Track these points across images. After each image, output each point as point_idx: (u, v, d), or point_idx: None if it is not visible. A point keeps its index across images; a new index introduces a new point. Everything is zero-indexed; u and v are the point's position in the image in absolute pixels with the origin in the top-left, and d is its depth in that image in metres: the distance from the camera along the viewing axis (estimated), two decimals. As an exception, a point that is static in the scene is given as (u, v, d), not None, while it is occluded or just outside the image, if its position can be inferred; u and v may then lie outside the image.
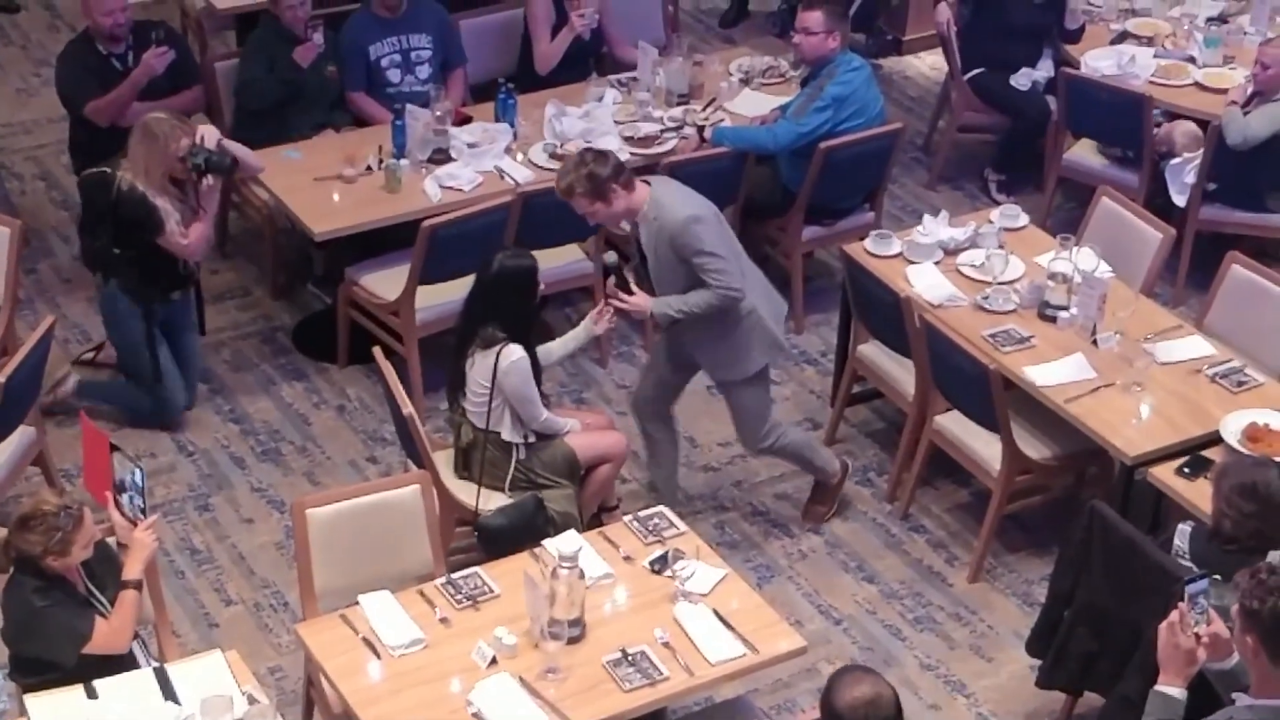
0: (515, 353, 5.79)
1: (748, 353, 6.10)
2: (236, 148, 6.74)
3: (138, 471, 5.14)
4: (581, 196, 5.86)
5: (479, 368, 5.84)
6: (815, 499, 6.63)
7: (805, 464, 6.53)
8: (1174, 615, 4.45)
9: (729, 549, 6.32)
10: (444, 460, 6.03)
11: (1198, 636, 4.45)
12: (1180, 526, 5.26)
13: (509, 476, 5.94)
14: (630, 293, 6.00)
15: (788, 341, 6.27)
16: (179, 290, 6.80)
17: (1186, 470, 5.75)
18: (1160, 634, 4.48)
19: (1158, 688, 4.48)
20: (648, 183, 5.96)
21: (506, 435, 5.92)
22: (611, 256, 6.04)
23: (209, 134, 6.61)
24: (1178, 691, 4.44)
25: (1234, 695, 4.41)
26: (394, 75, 7.70)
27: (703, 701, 5.53)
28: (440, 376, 6.93)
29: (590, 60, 8.23)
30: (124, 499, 5.14)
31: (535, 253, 6.21)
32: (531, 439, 5.96)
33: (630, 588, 5.23)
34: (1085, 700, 5.67)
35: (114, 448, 5.25)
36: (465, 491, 5.97)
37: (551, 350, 6.16)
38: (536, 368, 5.90)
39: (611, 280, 6.00)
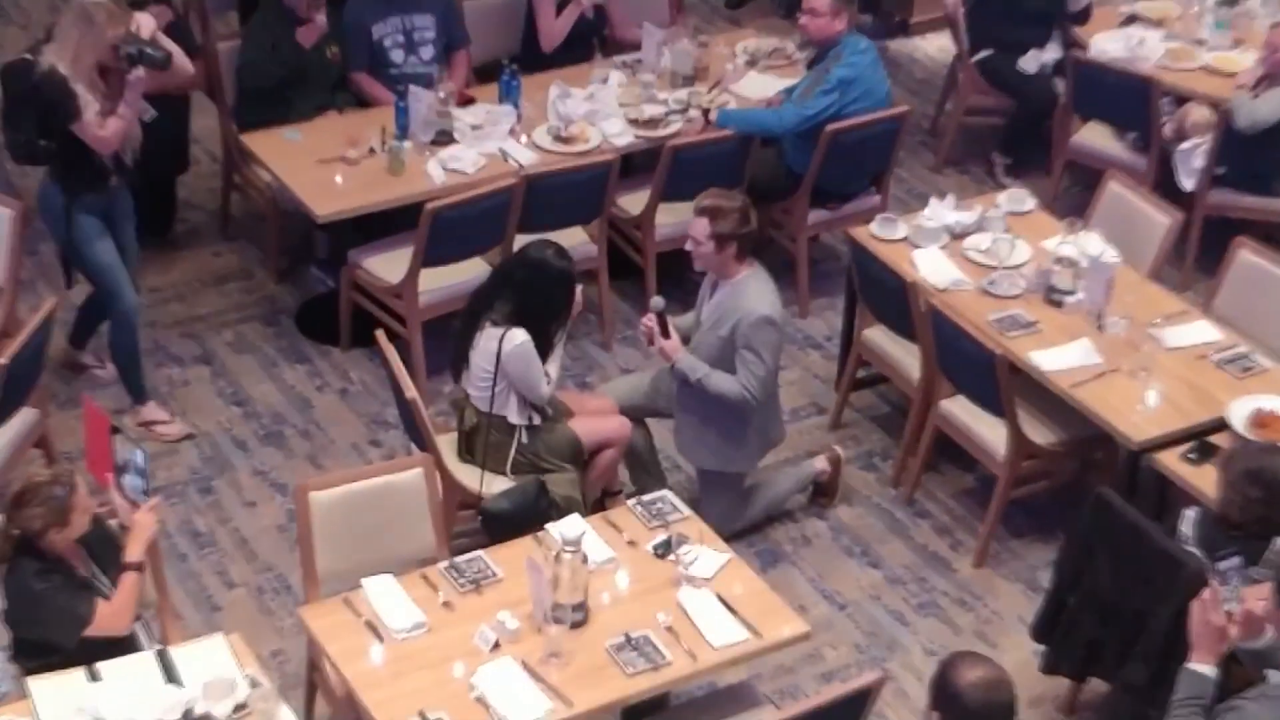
0: (518, 336, 5.77)
1: (727, 450, 6.15)
2: (171, 45, 6.56)
3: (140, 453, 5.12)
4: (713, 227, 5.89)
5: (481, 350, 5.82)
6: (815, 496, 6.63)
7: (784, 501, 6.52)
8: (1206, 593, 4.46)
9: (734, 534, 6.29)
10: (447, 444, 6.01)
11: (1229, 614, 4.46)
12: (1185, 512, 5.25)
13: (510, 459, 5.92)
14: (666, 334, 6.03)
15: (776, 433, 6.36)
16: (108, 179, 6.59)
17: (1192, 456, 5.72)
18: (1192, 612, 4.49)
19: (1189, 665, 4.49)
20: (753, 264, 6.02)
21: (513, 418, 5.90)
22: (659, 302, 6.08)
23: (144, 24, 6.42)
24: (1209, 670, 4.46)
25: (1266, 672, 4.42)
26: (397, 56, 7.67)
27: (706, 686, 5.52)
28: (443, 359, 6.92)
29: (594, 39, 8.20)
30: (125, 480, 5.13)
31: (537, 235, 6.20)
32: (536, 421, 5.94)
33: (633, 572, 5.21)
34: (1089, 687, 5.67)
35: (115, 429, 5.23)
36: (468, 475, 5.95)
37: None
38: (546, 352, 5.87)
39: (655, 317, 6.05)
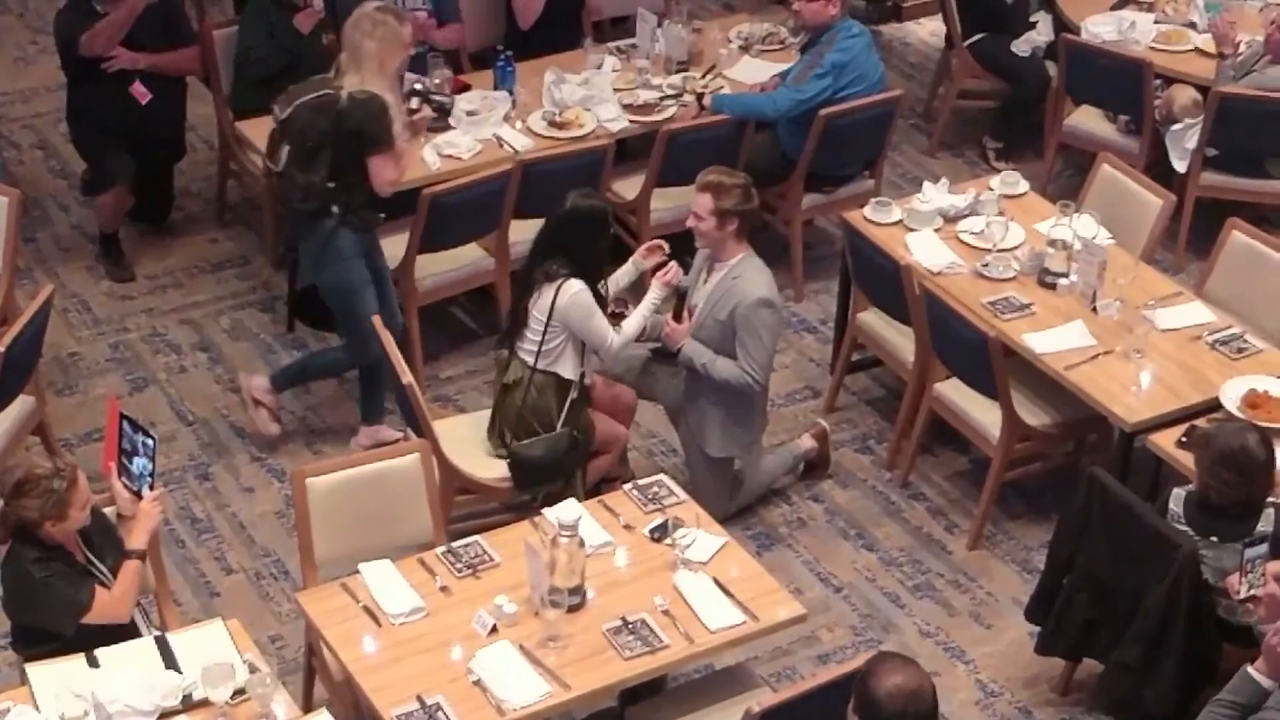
0: (574, 286, 5.79)
1: (734, 434, 6.17)
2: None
3: (150, 441, 5.12)
4: (715, 201, 5.92)
5: (540, 303, 5.85)
6: (808, 472, 6.68)
7: (777, 479, 6.56)
8: None
9: (729, 518, 6.31)
10: (443, 428, 6.02)
11: (1255, 598, 4.52)
12: (1175, 491, 5.29)
13: (562, 416, 5.92)
14: (679, 320, 6.08)
15: (765, 419, 6.41)
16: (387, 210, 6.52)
17: (1185, 440, 5.72)
18: (1269, 632, 4.53)
19: (1250, 669, 4.55)
20: (748, 248, 6.05)
21: (566, 373, 5.92)
22: (687, 280, 6.13)
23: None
24: (1268, 682, 4.51)
25: None
26: (389, 37, 7.65)
27: (702, 669, 5.54)
28: (438, 345, 6.97)
29: (579, 19, 8.19)
30: (135, 463, 5.13)
31: (533, 222, 6.21)
32: (587, 380, 5.97)
33: (630, 556, 5.23)
34: (1084, 666, 5.69)
35: (124, 417, 5.23)
36: (464, 460, 5.95)
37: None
38: (601, 304, 5.91)
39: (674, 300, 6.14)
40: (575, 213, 5.88)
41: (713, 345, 6.03)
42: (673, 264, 6.06)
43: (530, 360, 5.91)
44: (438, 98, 6.48)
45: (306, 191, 6.33)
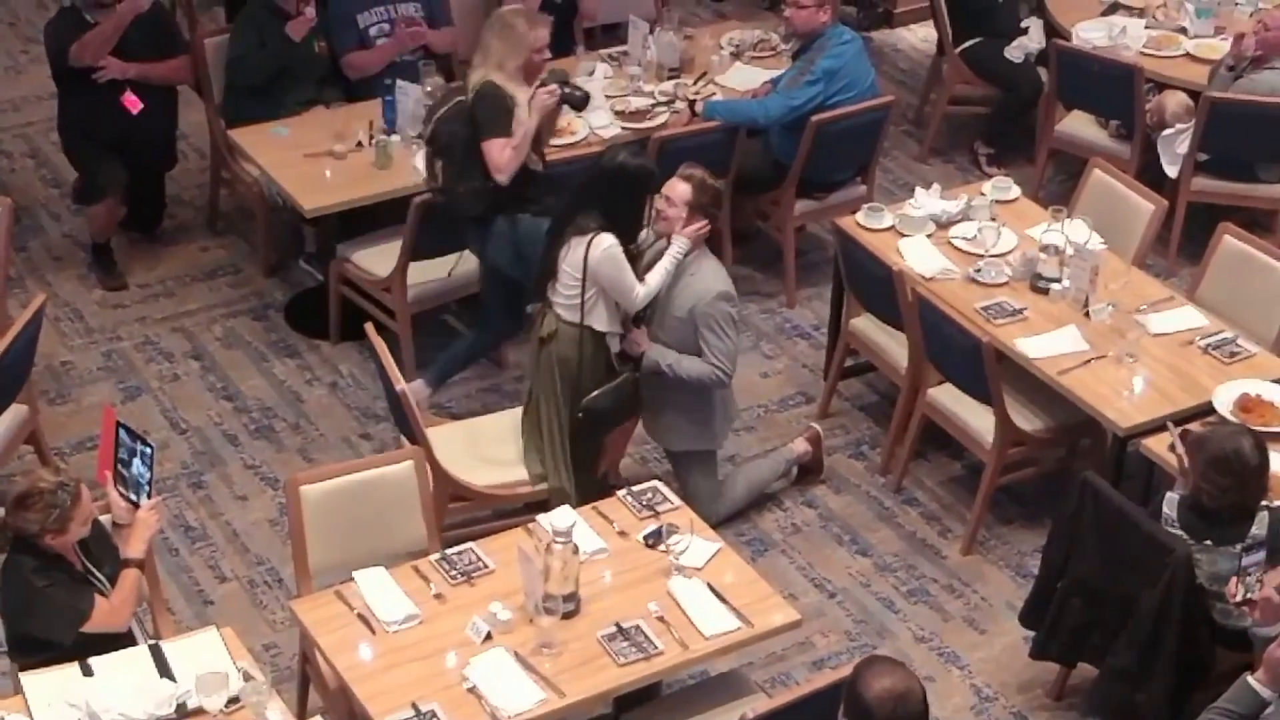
0: (606, 240, 5.78)
1: (694, 429, 6.18)
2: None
3: (148, 449, 5.11)
4: (694, 194, 5.93)
5: (571, 257, 5.84)
6: (802, 477, 6.67)
7: (770, 483, 6.56)
8: None
9: (722, 523, 6.32)
10: (437, 436, 6.02)
11: (1250, 602, 4.52)
12: (1168, 494, 5.29)
13: (604, 366, 5.95)
14: (637, 326, 6.08)
15: (730, 432, 6.47)
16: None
17: (1174, 436, 5.72)
18: (1275, 645, 4.55)
19: (1251, 679, 4.56)
20: (704, 245, 6.06)
21: (600, 326, 5.92)
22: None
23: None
24: (1268, 692, 4.51)
25: None
26: (383, 45, 7.65)
27: (697, 675, 5.54)
28: (431, 353, 6.95)
29: (571, 21, 8.18)
30: (131, 474, 5.12)
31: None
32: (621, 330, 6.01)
33: (624, 562, 5.23)
34: (1078, 671, 5.69)
35: (121, 425, 5.22)
36: (459, 466, 5.95)
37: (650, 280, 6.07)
38: (632, 262, 5.91)
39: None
40: (624, 170, 5.87)
41: (674, 343, 6.02)
42: (702, 221, 6.00)
43: (571, 316, 5.89)
44: (570, 89, 6.36)
45: (473, 199, 6.35)
